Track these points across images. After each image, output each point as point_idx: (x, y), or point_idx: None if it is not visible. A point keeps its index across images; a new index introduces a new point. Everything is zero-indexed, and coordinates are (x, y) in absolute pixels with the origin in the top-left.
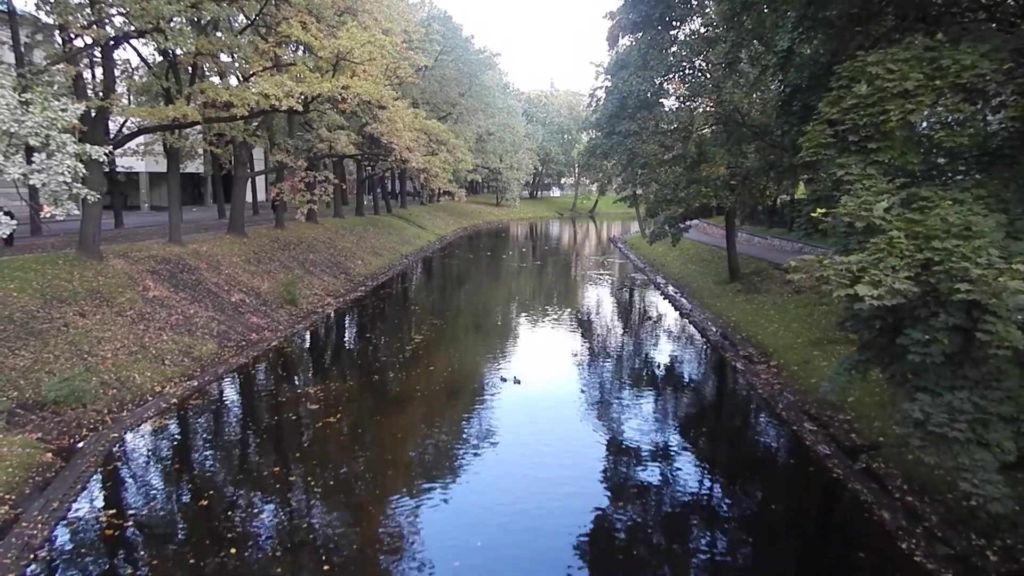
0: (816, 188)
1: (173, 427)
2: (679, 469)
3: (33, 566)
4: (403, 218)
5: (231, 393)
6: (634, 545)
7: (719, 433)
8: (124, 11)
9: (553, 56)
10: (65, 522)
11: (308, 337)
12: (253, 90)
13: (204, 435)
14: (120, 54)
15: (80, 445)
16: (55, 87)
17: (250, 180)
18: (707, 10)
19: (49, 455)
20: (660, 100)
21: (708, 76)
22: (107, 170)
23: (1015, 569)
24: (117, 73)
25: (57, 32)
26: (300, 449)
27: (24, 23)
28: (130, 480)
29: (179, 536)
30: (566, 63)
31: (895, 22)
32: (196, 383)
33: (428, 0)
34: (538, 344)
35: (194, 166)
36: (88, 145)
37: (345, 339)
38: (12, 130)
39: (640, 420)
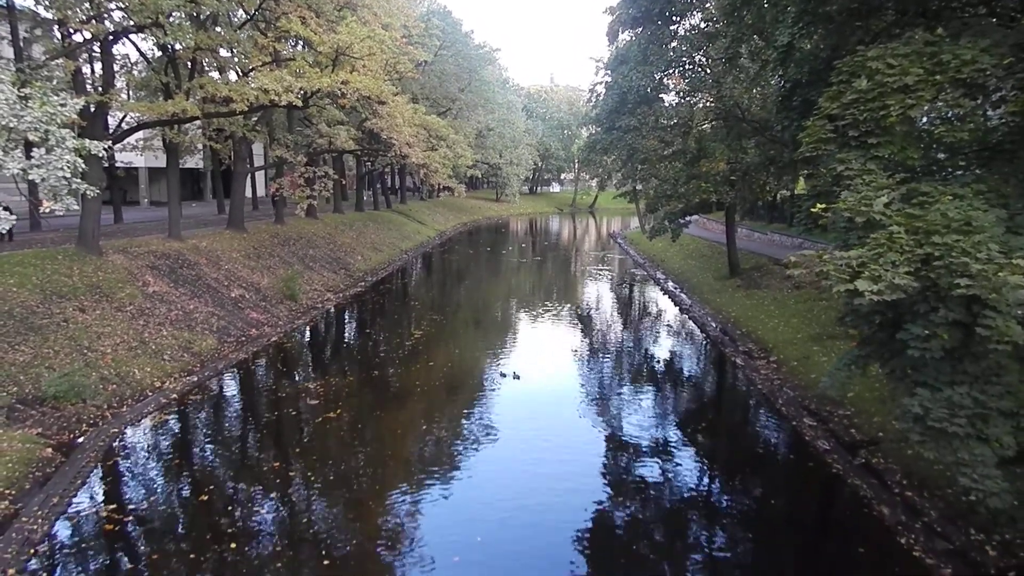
0: (816, 183)
1: (173, 422)
2: (679, 465)
3: (33, 561)
4: (403, 214)
5: (231, 388)
6: (634, 540)
7: (719, 429)
8: (123, 6)
9: (553, 51)
10: (65, 517)
11: (308, 332)
12: (252, 85)
13: (204, 430)
14: (119, 49)
15: (80, 440)
16: (54, 82)
17: (250, 175)
18: (707, 5)
19: (49, 450)
20: (660, 95)
21: (708, 71)
22: (106, 165)
23: (1014, 564)
24: (116, 68)
25: (56, 27)
26: (300, 444)
27: (23, 18)
28: (130, 475)
29: (179, 531)
30: (566, 58)
31: (895, 17)
32: (196, 378)
33: None
34: (538, 340)
35: (193, 161)
36: (87, 140)
37: (345, 334)
38: (11, 125)
39: (640, 416)
